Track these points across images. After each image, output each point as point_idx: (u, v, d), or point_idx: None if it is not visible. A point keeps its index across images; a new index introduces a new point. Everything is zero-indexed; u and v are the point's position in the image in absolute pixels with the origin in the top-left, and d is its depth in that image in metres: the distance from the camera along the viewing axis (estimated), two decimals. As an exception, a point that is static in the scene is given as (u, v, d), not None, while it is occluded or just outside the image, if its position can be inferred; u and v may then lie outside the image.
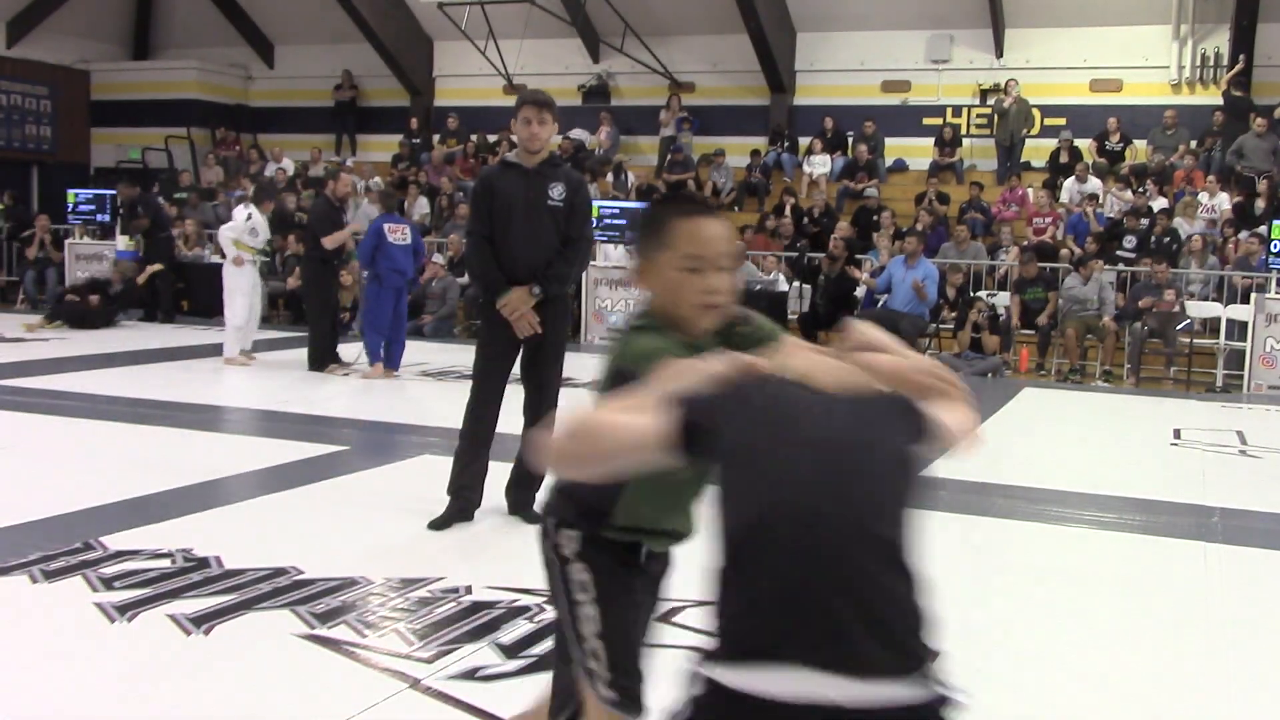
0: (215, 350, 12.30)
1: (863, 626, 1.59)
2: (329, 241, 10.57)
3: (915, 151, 18.53)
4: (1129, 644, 4.11)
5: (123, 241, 16.72)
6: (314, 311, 10.87)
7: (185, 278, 15.89)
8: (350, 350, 10.97)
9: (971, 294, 13.37)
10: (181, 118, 22.16)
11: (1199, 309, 13.08)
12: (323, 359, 10.66)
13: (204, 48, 22.93)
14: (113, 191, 17.12)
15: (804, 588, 1.61)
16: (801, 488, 1.66)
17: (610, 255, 14.80)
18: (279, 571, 4.46)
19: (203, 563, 4.56)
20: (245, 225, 11.01)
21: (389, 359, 10.44)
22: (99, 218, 16.94)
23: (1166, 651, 4.02)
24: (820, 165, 17.95)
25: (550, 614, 4.08)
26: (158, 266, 15.11)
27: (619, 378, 2.10)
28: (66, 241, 17.20)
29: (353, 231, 11.25)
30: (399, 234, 10.37)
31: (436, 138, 20.43)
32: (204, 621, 3.90)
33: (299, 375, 10.51)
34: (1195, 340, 12.67)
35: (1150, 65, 17.80)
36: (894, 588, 1.67)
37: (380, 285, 10.29)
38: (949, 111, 18.80)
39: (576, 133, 19.38)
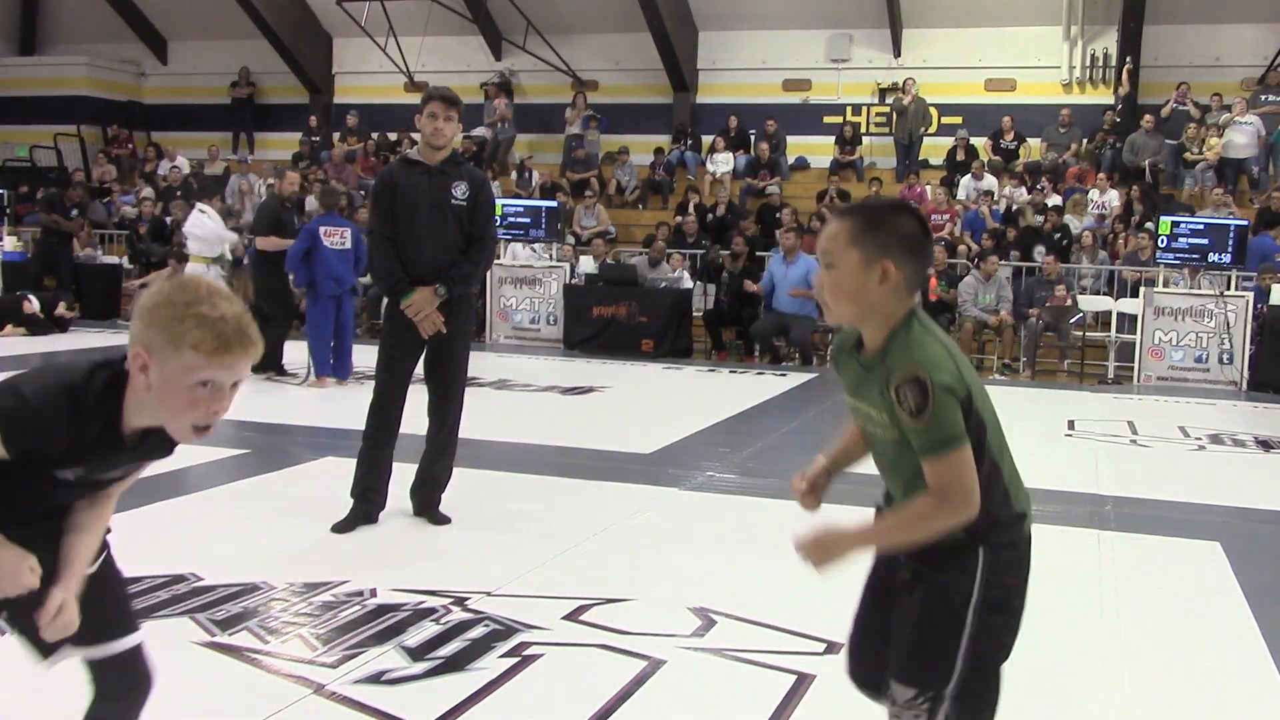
0: (111, 353, 12.01)
1: None
2: (266, 244, 9.92)
3: (816, 149, 18.76)
4: (1026, 630, 4.20)
5: (10, 243, 16.24)
6: (275, 314, 9.97)
7: (79, 280, 15.44)
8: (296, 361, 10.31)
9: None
10: (71, 115, 21.56)
11: (1091, 303, 13.45)
12: (265, 364, 9.86)
13: (94, 43, 22.34)
14: (0, 190, 16.62)
15: None
16: None
17: (517, 254, 14.76)
18: (177, 578, 4.37)
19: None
20: (213, 227, 10.48)
21: (338, 368, 9.88)
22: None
23: (1062, 636, 4.13)
24: (723, 163, 18.08)
25: (456, 615, 4.06)
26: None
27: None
28: (-50, 243, 16.64)
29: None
30: (336, 237, 9.62)
31: (337, 136, 20.17)
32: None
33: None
34: (1087, 334, 13.02)
35: (1042, 65, 18.26)
36: None
37: (316, 294, 9.63)
38: (849, 110, 19.07)
39: (479, 131, 19.27)
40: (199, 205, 11.01)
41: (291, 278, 9.84)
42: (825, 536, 2.40)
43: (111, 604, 2.43)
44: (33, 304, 13.48)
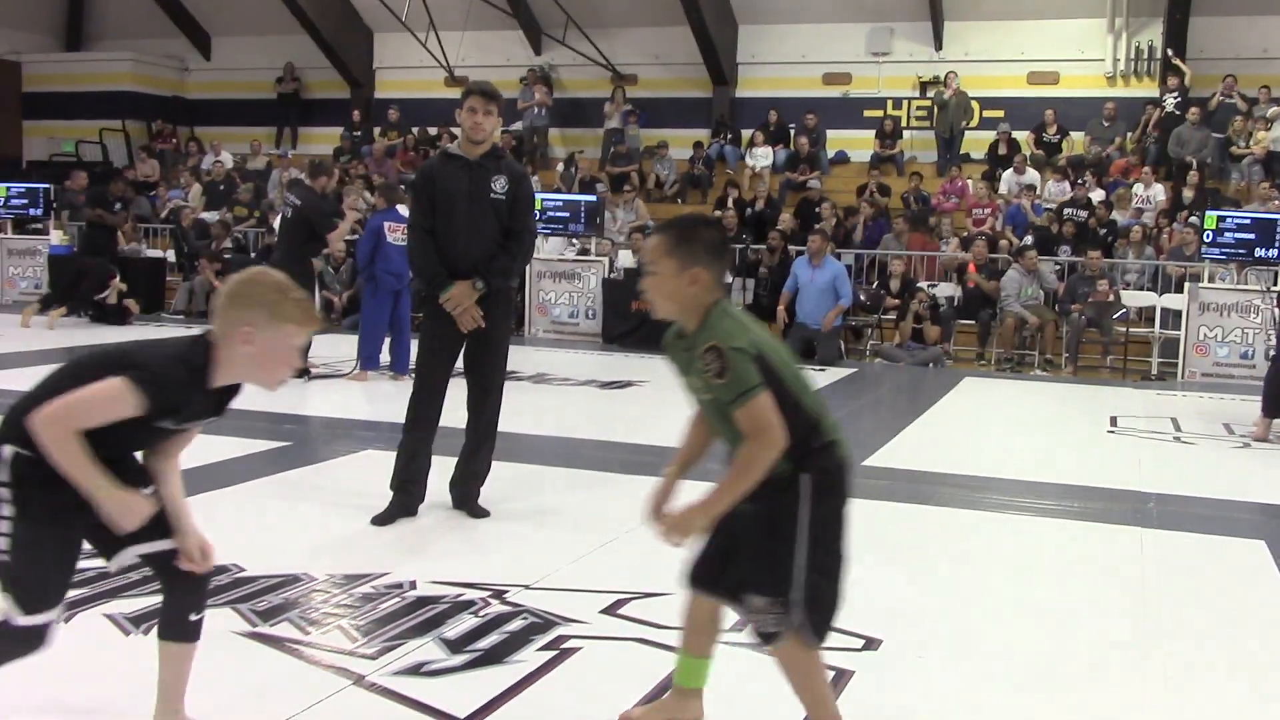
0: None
1: None
2: (336, 237, 9.92)
3: (856, 143, 18.68)
4: (1067, 628, 4.17)
5: (56, 236, 16.45)
6: None
7: (124, 274, 15.61)
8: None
9: (914, 285, 13.49)
10: (116, 110, 21.81)
11: (1134, 298, 13.30)
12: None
13: (138, 39, 22.57)
14: (46, 185, 16.83)
15: None
16: None
17: (548, 248, 14.77)
18: (220, 569, 4.40)
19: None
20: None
21: (396, 363, 9.85)
22: (31, 211, 16.66)
23: (1104, 635, 4.09)
24: (763, 158, 18.02)
25: (495, 608, 4.08)
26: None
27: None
28: (-1, 236, 16.90)
29: (355, 220, 10.73)
30: (399, 233, 9.49)
31: (377, 130, 20.27)
32: (143, 621, 3.85)
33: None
34: (1131, 329, 12.89)
35: (1086, 58, 18.07)
36: None
37: (376, 288, 9.67)
38: (889, 104, 18.96)
39: (517, 125, 19.32)
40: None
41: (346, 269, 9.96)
42: (679, 516, 2.87)
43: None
44: (116, 278, 13.65)
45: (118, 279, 13.92)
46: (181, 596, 2.89)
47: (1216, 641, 4.10)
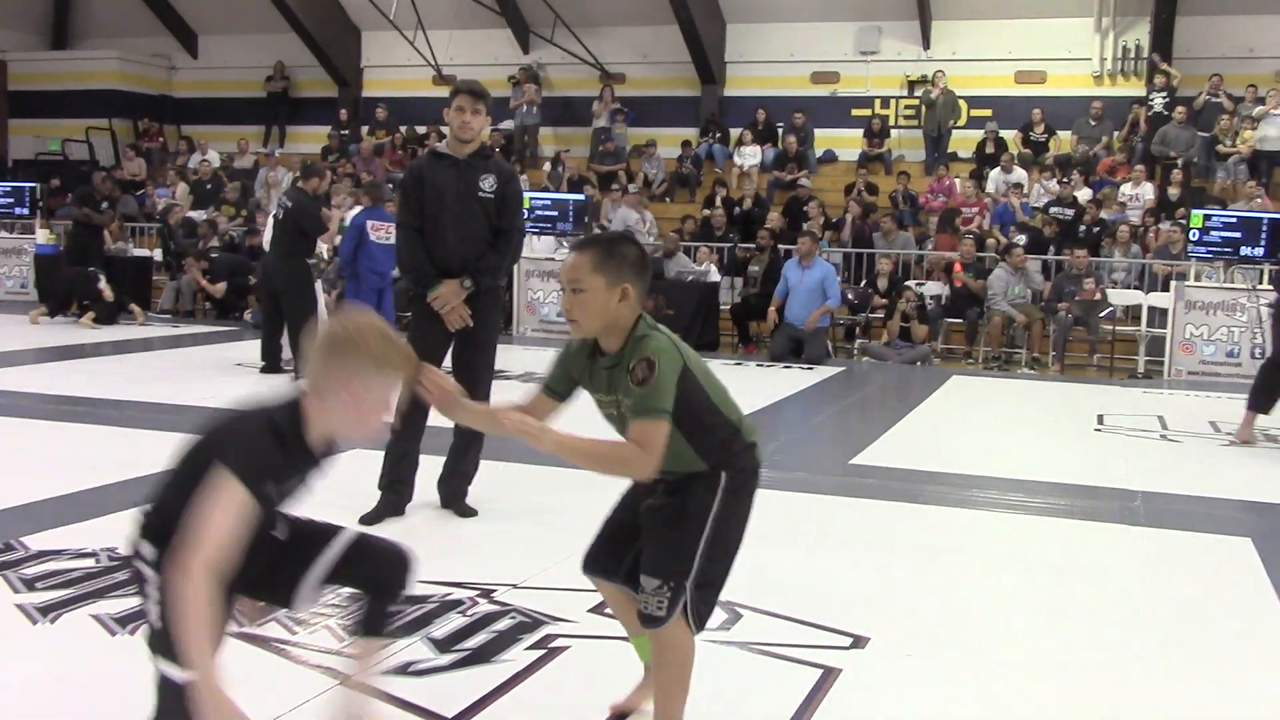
0: (142, 345, 12.11)
1: None
2: (326, 239, 9.90)
3: (845, 142, 18.71)
4: (1054, 626, 4.18)
5: (43, 236, 16.40)
6: (302, 313, 9.69)
7: (111, 274, 15.55)
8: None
9: (901, 283, 13.52)
10: (103, 109, 21.73)
11: (1121, 297, 13.35)
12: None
13: (125, 37, 22.50)
14: (32, 184, 16.78)
15: None
16: None
17: (536, 247, 14.75)
18: (207, 569, 4.40)
19: (127, 562, 4.47)
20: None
21: None
22: (17, 210, 16.60)
23: (1090, 632, 4.11)
24: (751, 156, 18.04)
25: (483, 607, 4.07)
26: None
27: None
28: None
29: (339, 219, 10.73)
30: (383, 232, 9.65)
31: (365, 129, 20.24)
32: (129, 621, 3.84)
33: (239, 374, 10.36)
34: (1117, 328, 12.92)
35: (1073, 57, 18.13)
36: None
37: (359, 285, 9.65)
38: (877, 103, 19.00)
39: (506, 124, 19.31)
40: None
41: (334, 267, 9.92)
42: (539, 428, 2.94)
43: (300, 538, 2.82)
44: (101, 282, 13.55)
45: (102, 282, 13.86)
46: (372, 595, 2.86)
47: (1204, 639, 4.11)
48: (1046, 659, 3.85)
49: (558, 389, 3.11)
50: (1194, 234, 12.25)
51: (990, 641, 4.00)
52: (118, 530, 4.90)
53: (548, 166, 18.27)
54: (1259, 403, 8.11)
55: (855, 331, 13.62)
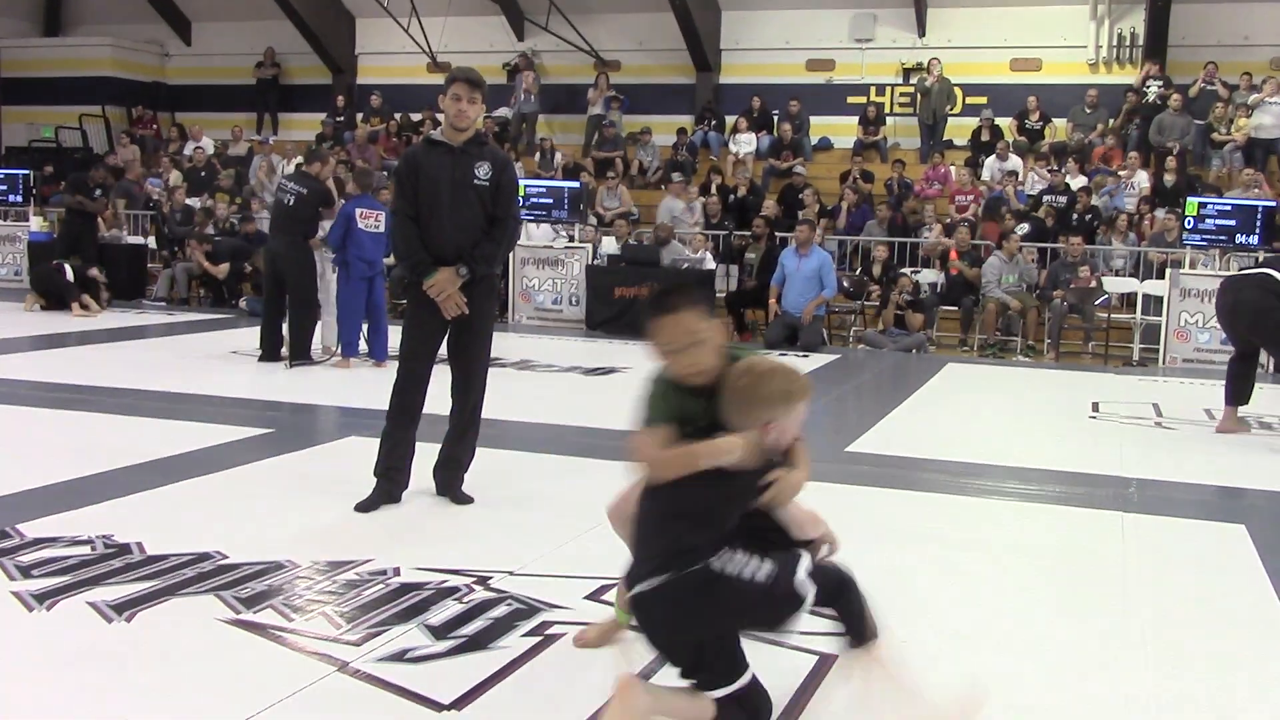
0: (137, 333, 12.10)
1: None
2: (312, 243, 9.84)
3: (840, 130, 18.70)
4: (1049, 612, 4.19)
5: (36, 223, 16.36)
6: (306, 301, 9.97)
7: (104, 260, 15.52)
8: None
9: (895, 271, 13.51)
10: (96, 96, 21.68)
11: (1116, 284, 13.36)
12: (295, 354, 9.91)
13: (118, 24, 22.45)
14: (25, 171, 16.73)
15: None
16: None
17: (533, 235, 14.74)
18: (203, 556, 4.41)
19: (124, 549, 4.48)
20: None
21: (375, 350, 9.87)
22: (11, 198, 16.56)
23: (1085, 619, 4.12)
24: (746, 144, 18.03)
25: (479, 594, 4.08)
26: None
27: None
28: (-24, 223, 16.79)
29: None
30: (371, 220, 9.57)
31: (360, 116, 20.19)
32: (126, 608, 3.84)
33: (235, 361, 10.35)
34: (1113, 315, 12.94)
35: (1069, 45, 18.12)
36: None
37: (348, 274, 9.63)
38: (873, 90, 18.99)
39: (502, 111, 19.27)
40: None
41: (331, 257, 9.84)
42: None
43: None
44: (67, 272, 13.53)
45: (96, 270, 13.84)
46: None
47: (1198, 625, 4.12)
48: (1041, 643, 3.86)
49: (672, 420, 3.08)
50: (1189, 221, 12.27)
51: (985, 628, 4.01)
52: (113, 517, 4.92)
53: (538, 155, 18.23)
54: (1234, 396, 8.13)
55: (851, 319, 13.63)
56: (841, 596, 3.04)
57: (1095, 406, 9.07)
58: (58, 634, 3.65)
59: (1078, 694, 3.47)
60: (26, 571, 4.19)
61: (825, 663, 3.57)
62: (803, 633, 3.81)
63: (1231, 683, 3.62)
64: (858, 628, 3.05)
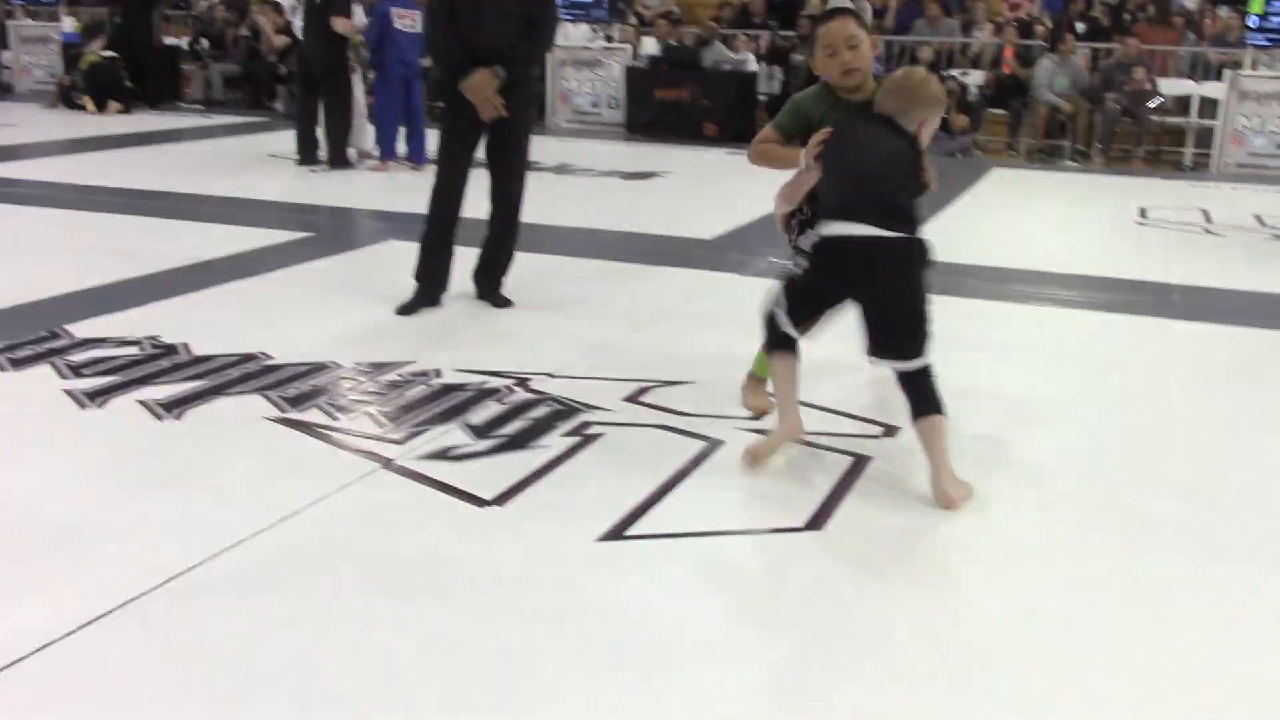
0: (174, 136, 12.05)
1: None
2: (340, 25, 9.60)
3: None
4: (1085, 412, 4.21)
5: (69, 23, 16.13)
6: (338, 99, 9.81)
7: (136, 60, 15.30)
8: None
9: (942, 73, 13.13)
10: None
11: (1171, 86, 12.93)
12: (344, 155, 9.87)
13: None
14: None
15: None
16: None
17: (571, 35, 14.38)
18: (248, 357, 4.48)
19: (170, 349, 4.56)
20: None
21: (413, 151, 9.80)
22: (43, -2, 16.32)
23: (1125, 423, 4.13)
24: (792, -62, 17.28)
25: (519, 395, 4.14)
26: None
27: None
28: (8, 23, 16.55)
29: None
30: (408, 20, 9.44)
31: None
32: (175, 406, 3.93)
33: (272, 164, 10.31)
34: (1167, 119, 12.57)
35: None
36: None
37: (386, 75, 9.52)
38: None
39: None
40: None
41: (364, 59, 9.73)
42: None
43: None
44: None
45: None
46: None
47: (1238, 430, 4.12)
48: (1074, 443, 3.89)
49: (788, 128, 3.65)
50: (1253, 20, 11.78)
51: (1022, 426, 4.03)
52: (158, 319, 4.99)
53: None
54: None
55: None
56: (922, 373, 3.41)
57: (1143, 212, 8.91)
58: (111, 430, 3.75)
59: (1110, 489, 3.49)
60: (78, 370, 4.29)
61: (860, 464, 3.62)
62: (842, 435, 3.86)
63: (1271, 485, 3.64)
64: (933, 400, 3.40)
